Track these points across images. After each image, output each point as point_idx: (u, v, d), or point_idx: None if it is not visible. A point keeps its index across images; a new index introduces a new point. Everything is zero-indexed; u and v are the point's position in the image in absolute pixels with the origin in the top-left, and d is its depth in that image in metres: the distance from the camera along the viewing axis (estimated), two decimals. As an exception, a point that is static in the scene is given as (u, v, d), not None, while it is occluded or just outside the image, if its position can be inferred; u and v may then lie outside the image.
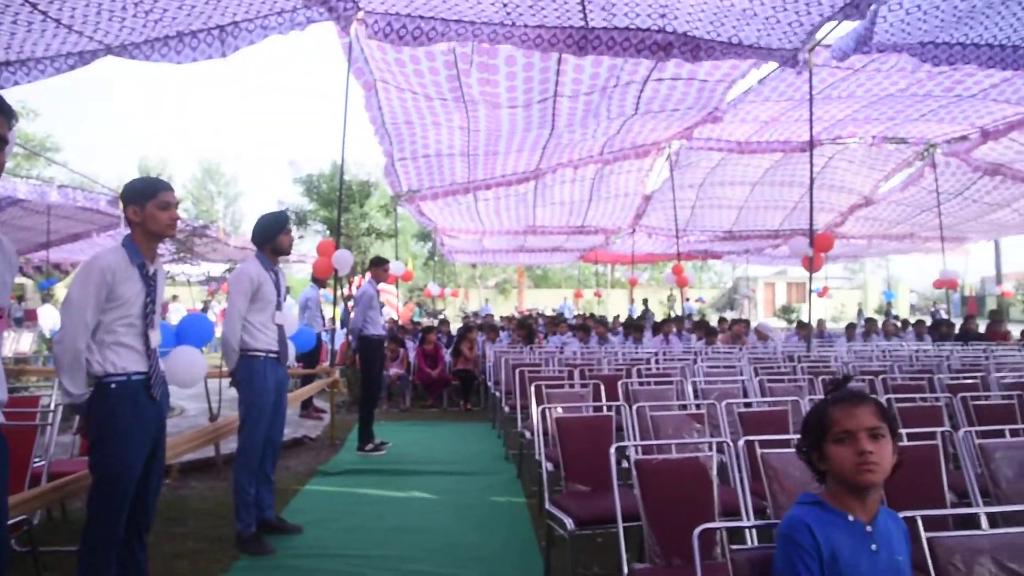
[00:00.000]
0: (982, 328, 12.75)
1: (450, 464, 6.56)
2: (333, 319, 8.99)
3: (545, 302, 35.94)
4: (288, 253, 4.65)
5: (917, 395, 4.93)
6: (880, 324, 13.64)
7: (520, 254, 22.28)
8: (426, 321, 19.09)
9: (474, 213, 15.26)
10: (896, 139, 12.17)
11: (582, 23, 5.87)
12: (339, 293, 9.10)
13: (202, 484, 5.75)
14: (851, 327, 13.21)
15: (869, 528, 1.66)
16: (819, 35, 6.15)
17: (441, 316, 19.57)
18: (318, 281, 9.38)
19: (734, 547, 1.79)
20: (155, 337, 3.06)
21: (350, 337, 7.80)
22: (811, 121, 7.69)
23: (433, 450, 7.24)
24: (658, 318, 17.31)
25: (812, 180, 8.16)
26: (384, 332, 7.91)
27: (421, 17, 5.65)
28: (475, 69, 7.39)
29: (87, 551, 2.91)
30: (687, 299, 30.59)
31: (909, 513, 1.84)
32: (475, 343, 10.58)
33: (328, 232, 21.74)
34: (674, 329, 11.26)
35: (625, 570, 2.61)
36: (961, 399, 4.55)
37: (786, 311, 34.20)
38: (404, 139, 9.66)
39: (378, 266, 7.49)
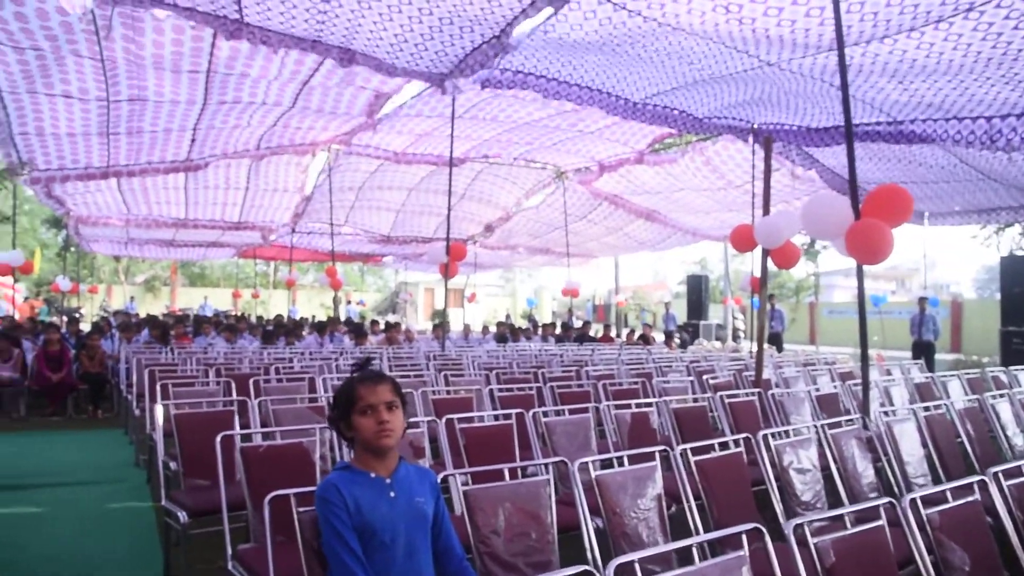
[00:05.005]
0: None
1: (70, 475, 6.05)
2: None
3: (202, 301, 33.79)
4: None
5: (515, 385, 5.77)
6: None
7: (172, 248, 20.74)
8: (55, 320, 16.88)
9: (118, 200, 13.93)
10: (533, 162, 13.75)
11: (236, 16, 5.80)
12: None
13: None
14: (485, 329, 15.14)
15: (388, 480, 2.10)
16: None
17: (76, 315, 17.50)
18: None
19: (301, 509, 2.09)
20: None
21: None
22: (452, 138, 8.45)
23: (52, 462, 6.59)
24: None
25: (451, 193, 9.00)
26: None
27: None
28: (119, 25, 6.75)
29: None
30: (349, 301, 31.04)
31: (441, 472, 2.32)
32: (97, 351, 9.65)
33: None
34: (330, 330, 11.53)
35: (229, 551, 2.77)
36: (550, 388, 5.46)
37: (441, 315, 36.18)
38: (26, 110, 8.50)
39: (-22, 255, 6.61)
